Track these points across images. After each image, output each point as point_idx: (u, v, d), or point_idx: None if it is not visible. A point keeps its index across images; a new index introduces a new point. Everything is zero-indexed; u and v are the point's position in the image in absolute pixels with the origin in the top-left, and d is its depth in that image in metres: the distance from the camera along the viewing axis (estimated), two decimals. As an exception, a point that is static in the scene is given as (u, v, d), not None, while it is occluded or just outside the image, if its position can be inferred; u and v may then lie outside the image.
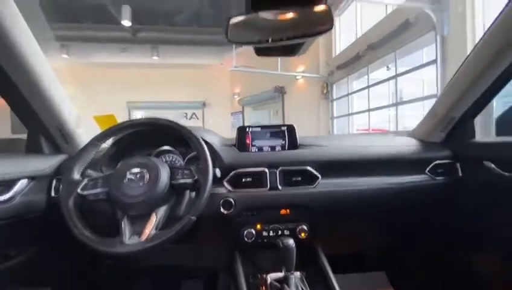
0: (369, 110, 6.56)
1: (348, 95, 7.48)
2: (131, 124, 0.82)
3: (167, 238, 0.66)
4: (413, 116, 5.72)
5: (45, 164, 0.85)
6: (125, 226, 0.67)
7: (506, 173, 0.85)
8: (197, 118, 10.95)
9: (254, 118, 10.65)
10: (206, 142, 0.90)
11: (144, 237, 0.66)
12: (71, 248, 0.76)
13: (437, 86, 4.50)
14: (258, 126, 1.02)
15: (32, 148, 0.89)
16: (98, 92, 8.79)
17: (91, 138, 1.02)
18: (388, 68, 6.14)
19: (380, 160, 0.98)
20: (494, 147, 0.94)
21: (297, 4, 0.64)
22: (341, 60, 7.24)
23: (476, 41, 0.82)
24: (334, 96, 8.18)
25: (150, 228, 0.67)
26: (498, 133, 1.03)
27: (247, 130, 1.00)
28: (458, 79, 0.93)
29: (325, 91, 8.27)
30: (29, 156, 0.85)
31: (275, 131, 1.02)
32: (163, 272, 1.25)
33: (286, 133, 1.01)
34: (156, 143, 0.98)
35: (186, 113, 11.03)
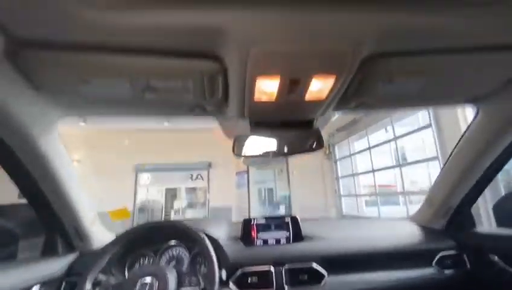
0: (373, 170, 6.61)
1: (350, 155, 7.64)
2: (142, 229, 0.88)
3: None
4: (421, 167, 5.67)
5: (57, 265, 0.88)
6: None
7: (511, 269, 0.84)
8: (202, 179, 11.02)
9: (259, 177, 10.69)
10: (212, 239, 0.94)
11: None
12: None
13: (436, 149, 4.63)
14: (263, 217, 1.06)
15: (48, 249, 0.93)
16: (107, 156, 9.14)
17: (105, 234, 1.07)
18: (386, 130, 6.42)
19: (385, 253, 0.98)
20: (496, 239, 0.94)
21: (291, 128, 0.77)
22: (340, 123, 7.64)
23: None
24: (337, 157, 8.35)
25: None
26: (498, 222, 1.04)
27: (252, 222, 1.05)
28: (449, 169, 1.00)
29: (327, 152, 8.49)
30: (43, 260, 0.89)
31: (279, 223, 1.05)
32: None
33: (290, 224, 1.05)
34: (164, 237, 1.02)
35: (191, 175, 11.15)
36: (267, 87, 0.60)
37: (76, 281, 0.88)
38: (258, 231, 1.03)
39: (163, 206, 11.64)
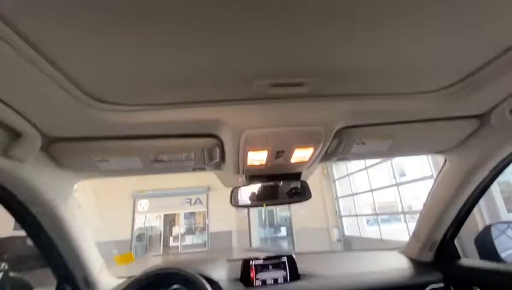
0: (371, 190, 6.67)
1: (348, 175, 7.72)
2: (147, 277, 0.94)
3: None
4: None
5: None
6: None
7: None
8: (201, 203, 10.88)
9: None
10: (212, 282, 1.00)
11: None
12: None
13: (430, 168, 4.75)
14: (261, 259, 1.12)
15: None
16: (104, 183, 9.09)
17: (110, 279, 1.12)
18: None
19: (377, 288, 1.04)
20: (478, 272, 1.01)
21: (281, 180, 0.87)
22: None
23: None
24: (335, 177, 8.42)
25: None
26: (480, 254, 1.11)
27: (251, 263, 1.10)
28: (429, 207, 1.09)
29: (325, 172, 8.58)
30: None
31: (277, 262, 1.11)
32: None
33: (287, 264, 1.11)
34: (167, 282, 1.07)
35: (190, 199, 11.02)
36: (258, 157, 0.71)
37: None
38: (256, 272, 1.09)
39: (162, 233, 11.41)
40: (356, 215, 7.60)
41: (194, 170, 0.84)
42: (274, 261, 1.12)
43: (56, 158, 0.67)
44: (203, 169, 0.84)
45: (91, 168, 0.74)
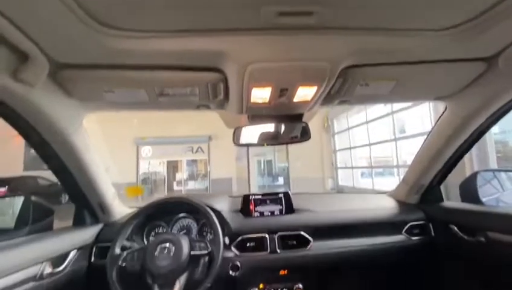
0: (369, 144, 6.80)
1: (347, 129, 7.78)
2: (156, 205, 1.04)
3: None
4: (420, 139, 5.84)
5: (87, 234, 1.06)
6: None
7: (465, 237, 1.02)
8: (203, 152, 11.23)
9: (258, 149, 10.93)
10: (216, 211, 1.11)
11: None
12: None
13: (431, 122, 4.76)
14: (260, 193, 1.22)
15: (78, 220, 1.10)
16: (109, 129, 9.23)
17: (122, 208, 1.24)
18: (385, 104, 6.49)
19: (362, 223, 1.16)
20: (455, 212, 1.11)
21: (283, 120, 0.89)
22: (339, 97, 7.64)
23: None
24: (335, 131, 8.49)
25: (175, 294, 0.85)
26: (462, 197, 1.21)
27: (251, 198, 1.21)
28: (422, 153, 1.15)
29: (326, 125, 8.62)
30: (75, 229, 1.06)
31: (274, 198, 1.22)
32: None
33: (283, 199, 1.21)
34: (175, 211, 1.19)
35: (192, 147, 11.34)
36: (261, 94, 0.72)
37: (104, 246, 1.07)
38: (255, 205, 1.20)
39: (166, 178, 12.08)
40: (352, 167, 7.91)
41: (198, 107, 0.86)
42: (272, 197, 1.22)
43: (64, 86, 0.69)
44: (207, 107, 0.85)
45: (98, 99, 0.76)
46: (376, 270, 1.16)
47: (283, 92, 0.71)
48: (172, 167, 12.26)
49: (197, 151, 11.32)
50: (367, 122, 6.79)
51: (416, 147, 1.22)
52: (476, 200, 1.09)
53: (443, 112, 0.96)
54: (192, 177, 12.18)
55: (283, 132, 0.92)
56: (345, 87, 0.75)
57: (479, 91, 0.80)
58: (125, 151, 10.59)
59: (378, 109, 6.61)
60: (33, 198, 1.09)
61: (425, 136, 1.14)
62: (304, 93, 0.72)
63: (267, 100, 0.75)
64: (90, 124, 0.99)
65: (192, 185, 11.97)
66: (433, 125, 1.06)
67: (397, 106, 5.83)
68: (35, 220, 1.04)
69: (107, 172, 1.11)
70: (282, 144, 0.95)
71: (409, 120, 6.07)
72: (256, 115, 0.89)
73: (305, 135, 0.89)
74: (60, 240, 0.95)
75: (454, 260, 1.10)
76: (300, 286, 1.07)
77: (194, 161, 12.03)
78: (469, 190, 1.15)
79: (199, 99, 0.78)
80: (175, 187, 12.09)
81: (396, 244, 1.14)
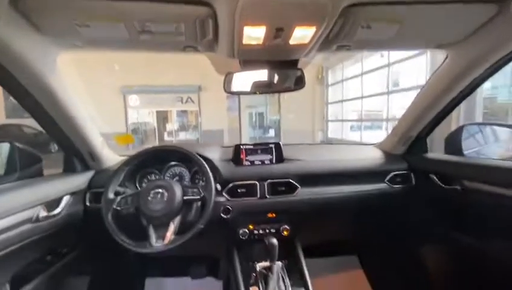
0: (362, 97, 6.75)
1: (342, 81, 7.61)
2: (148, 152, 1.03)
3: (183, 241, 0.90)
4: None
5: (79, 180, 1.07)
6: (151, 233, 0.91)
7: (443, 185, 1.09)
8: (193, 102, 10.96)
9: (250, 101, 10.74)
10: (208, 160, 1.12)
11: (166, 240, 0.89)
12: (105, 244, 1.01)
13: (426, 75, 4.68)
14: (251, 144, 1.23)
15: (68, 167, 1.10)
16: (94, 78, 8.71)
17: (112, 155, 1.24)
18: (382, 55, 6.25)
19: (348, 172, 1.21)
20: (437, 163, 1.17)
21: (278, 66, 0.84)
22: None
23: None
24: (329, 82, 8.29)
25: (169, 234, 0.90)
26: (446, 151, 1.25)
27: (242, 147, 1.22)
28: (415, 104, 1.15)
29: (319, 76, 8.37)
30: (67, 176, 1.07)
31: (265, 148, 1.23)
32: (174, 259, 1.52)
33: (274, 149, 1.23)
34: (166, 159, 1.20)
35: (181, 97, 11.01)
36: (255, 34, 0.65)
37: (97, 192, 1.09)
38: (246, 154, 1.22)
39: (156, 129, 11.98)
40: (342, 120, 7.99)
41: (185, 49, 0.78)
42: (262, 147, 1.23)
43: (30, 18, 0.60)
44: (195, 49, 0.78)
45: (72, 34, 0.67)
46: (358, 214, 1.26)
47: (278, 32, 0.64)
48: (162, 117, 12.06)
49: (186, 101, 11.01)
50: (362, 74, 6.62)
51: (407, 101, 1.21)
52: (459, 152, 1.14)
53: (443, 62, 0.92)
54: (183, 128, 12.12)
55: (277, 80, 0.87)
56: (345, 30, 0.69)
57: (483, 39, 0.76)
58: (113, 101, 10.21)
59: (376, 60, 6.39)
60: (19, 145, 1.06)
61: (418, 90, 1.12)
62: (301, 34, 0.65)
63: (260, 41, 0.69)
64: (75, 70, 0.91)
65: (183, 136, 11.98)
66: (428, 78, 1.03)
67: (393, 58, 5.64)
68: (24, 167, 1.03)
69: (93, 121, 1.07)
70: (276, 92, 0.91)
71: (403, 74, 5.94)
72: (249, 60, 0.83)
73: (300, 82, 0.84)
74: (52, 185, 0.96)
75: (433, 207, 1.19)
76: (287, 226, 1.16)
77: (185, 112, 11.82)
78: (454, 143, 1.19)
79: (186, 39, 0.71)
80: (166, 138, 12.08)
81: (379, 192, 1.22)
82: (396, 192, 1.23)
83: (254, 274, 1.06)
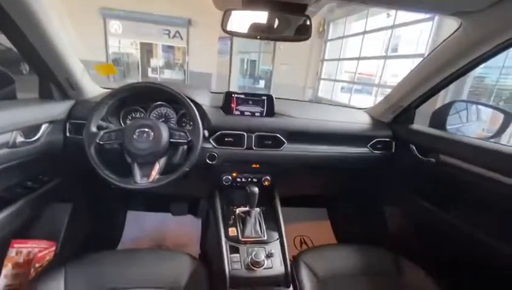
0: (358, 58, 6.54)
1: (342, 37, 7.23)
2: (134, 87, 0.96)
3: (168, 181, 0.91)
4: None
5: (58, 109, 1.01)
6: (136, 170, 0.91)
7: (420, 156, 1.15)
8: (181, 38, 10.05)
9: (243, 46, 10.06)
10: (198, 104, 1.09)
11: (151, 179, 0.90)
12: (87, 175, 1.01)
13: (426, 46, 4.55)
14: (243, 93, 1.19)
15: (44, 94, 1.01)
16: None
17: (94, 86, 1.16)
18: (388, 15, 5.88)
19: (334, 133, 1.23)
20: (416, 133, 1.21)
21: (284, 8, 0.76)
22: (343, -3, 6.69)
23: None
24: (329, 37, 7.85)
25: (154, 173, 0.91)
26: (431, 124, 1.29)
27: (233, 95, 1.17)
28: (413, 74, 1.13)
29: (320, 29, 7.85)
30: (44, 103, 0.99)
31: (257, 99, 1.19)
32: (156, 195, 1.57)
33: (266, 102, 1.20)
34: (153, 98, 1.14)
35: (169, 31, 10.02)
36: None
37: (78, 123, 1.04)
38: (237, 104, 1.18)
39: (139, 63, 11.14)
40: (334, 80, 7.85)
41: None
42: (254, 98, 1.19)
43: None
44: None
45: None
46: (335, 173, 1.33)
47: None
48: (147, 50, 11.14)
49: (174, 36, 10.06)
50: (364, 32, 6.29)
51: (402, 69, 1.18)
52: (442, 127, 1.18)
53: (453, 32, 0.88)
54: (168, 65, 11.36)
55: (281, 25, 0.79)
56: None
57: (502, 12, 0.72)
58: (90, 24, 9.10)
59: (381, 20, 6.02)
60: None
61: (415, 59, 1.08)
62: None
63: None
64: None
65: (168, 74, 11.30)
66: (430, 49, 0.99)
67: (399, 20, 5.33)
68: (-7, 87, 0.94)
69: (71, 45, 0.96)
70: (278, 39, 0.84)
71: (404, 41, 5.72)
72: None
73: (305, 32, 0.77)
74: (28, 110, 0.89)
75: (406, 175, 1.28)
76: (268, 177, 1.22)
77: (171, 48, 10.91)
78: (439, 118, 1.22)
79: None
80: (150, 74, 11.37)
81: (359, 155, 1.27)
82: (375, 157, 1.29)
83: (233, 217, 1.13)
